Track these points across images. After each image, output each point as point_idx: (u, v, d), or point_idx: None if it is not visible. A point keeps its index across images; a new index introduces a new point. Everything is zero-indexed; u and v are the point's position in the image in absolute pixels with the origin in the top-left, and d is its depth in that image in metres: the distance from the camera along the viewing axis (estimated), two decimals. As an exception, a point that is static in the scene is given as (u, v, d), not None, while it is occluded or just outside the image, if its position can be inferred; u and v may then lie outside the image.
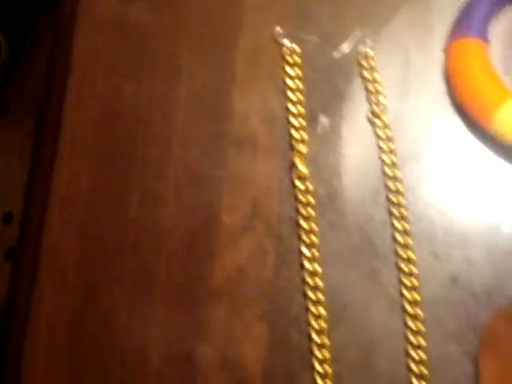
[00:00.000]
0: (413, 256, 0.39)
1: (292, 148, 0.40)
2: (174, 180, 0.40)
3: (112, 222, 0.40)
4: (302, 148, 0.40)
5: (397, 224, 0.39)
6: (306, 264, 0.39)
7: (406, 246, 0.39)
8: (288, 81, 0.41)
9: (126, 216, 0.40)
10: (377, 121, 0.40)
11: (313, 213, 0.40)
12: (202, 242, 0.39)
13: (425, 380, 0.37)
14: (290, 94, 0.41)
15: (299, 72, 0.41)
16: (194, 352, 0.38)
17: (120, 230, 0.40)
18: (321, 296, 0.39)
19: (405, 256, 0.39)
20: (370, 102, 0.41)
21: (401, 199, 0.39)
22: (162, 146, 0.40)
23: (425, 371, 0.37)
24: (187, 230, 0.40)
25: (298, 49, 0.41)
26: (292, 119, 0.41)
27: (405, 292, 0.38)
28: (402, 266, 0.39)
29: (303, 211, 0.40)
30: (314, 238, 0.39)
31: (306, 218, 0.40)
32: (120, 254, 0.39)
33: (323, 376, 0.38)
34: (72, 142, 0.41)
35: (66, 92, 0.41)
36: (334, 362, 0.38)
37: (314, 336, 0.38)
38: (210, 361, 0.38)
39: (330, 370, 0.38)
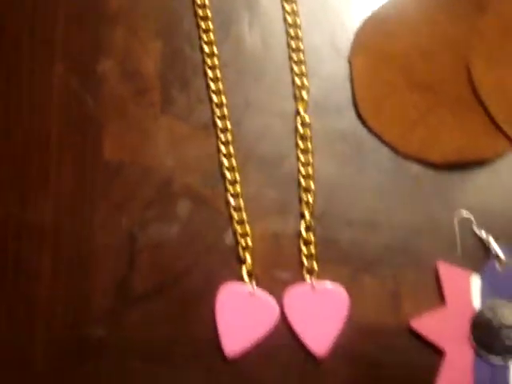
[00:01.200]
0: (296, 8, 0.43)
1: None
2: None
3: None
4: None
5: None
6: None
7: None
8: None
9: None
10: None
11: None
12: None
13: (306, 78, 0.42)
14: None
15: None
16: (98, 65, 0.42)
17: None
18: (209, 13, 0.42)
19: (290, 10, 0.43)
20: None
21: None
22: None
23: (304, 70, 0.42)
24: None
25: None
26: None
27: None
28: (288, 18, 0.43)
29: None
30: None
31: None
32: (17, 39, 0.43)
33: (215, 80, 0.42)
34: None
35: None
36: (223, 67, 0.42)
37: (205, 47, 0.42)
38: (112, 74, 0.42)
39: (220, 75, 0.42)
